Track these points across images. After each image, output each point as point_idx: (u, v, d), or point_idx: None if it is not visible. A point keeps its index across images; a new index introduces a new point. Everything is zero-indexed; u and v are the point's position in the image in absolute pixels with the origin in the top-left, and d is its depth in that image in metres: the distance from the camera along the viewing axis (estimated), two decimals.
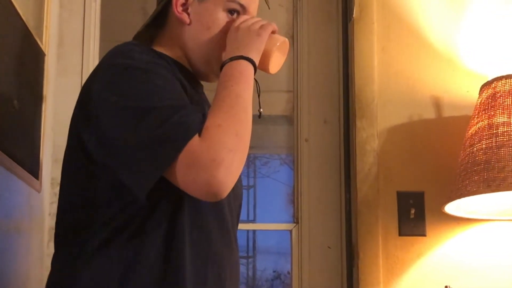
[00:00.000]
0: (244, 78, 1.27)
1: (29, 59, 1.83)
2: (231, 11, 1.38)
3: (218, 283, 1.28)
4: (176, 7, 1.39)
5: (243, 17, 1.37)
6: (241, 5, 1.38)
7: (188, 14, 1.38)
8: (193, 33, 1.38)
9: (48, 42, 2.00)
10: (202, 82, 1.45)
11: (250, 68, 1.29)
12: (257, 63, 1.31)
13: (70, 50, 2.21)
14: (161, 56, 1.33)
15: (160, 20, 1.43)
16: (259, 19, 1.37)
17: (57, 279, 1.26)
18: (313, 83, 2.33)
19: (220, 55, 1.36)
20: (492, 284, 2.04)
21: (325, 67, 2.33)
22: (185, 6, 1.39)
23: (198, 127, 1.15)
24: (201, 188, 1.14)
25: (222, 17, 1.38)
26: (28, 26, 1.78)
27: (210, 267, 1.27)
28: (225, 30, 1.37)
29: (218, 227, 1.31)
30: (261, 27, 1.34)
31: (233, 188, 1.38)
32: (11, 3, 1.64)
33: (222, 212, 1.32)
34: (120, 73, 1.23)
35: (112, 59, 1.27)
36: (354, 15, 2.19)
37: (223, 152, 1.13)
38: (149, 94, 1.19)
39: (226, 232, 1.33)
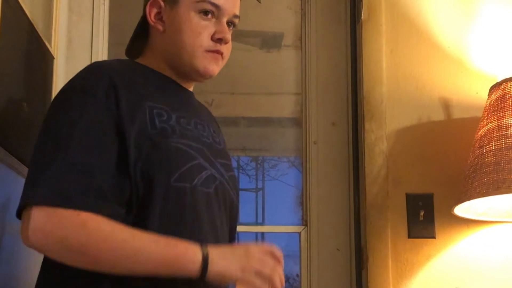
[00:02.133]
0: (175, 266, 1.18)
1: (38, 62, 1.84)
2: (204, 12, 1.38)
3: None
4: (150, 17, 1.41)
5: (270, 250, 1.26)
6: (215, 5, 1.38)
7: (163, 22, 1.40)
8: (169, 39, 1.40)
9: (57, 45, 2.01)
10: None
11: (196, 270, 1.18)
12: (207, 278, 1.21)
13: (79, 53, 2.22)
14: (121, 69, 1.33)
15: (145, 31, 1.45)
16: (276, 267, 1.25)
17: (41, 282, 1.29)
18: (321, 85, 2.33)
19: (196, 55, 1.37)
20: (502, 286, 2.03)
21: (333, 69, 2.33)
22: (159, 15, 1.41)
23: (54, 198, 1.16)
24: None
25: (195, 19, 1.38)
26: (37, 29, 1.79)
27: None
28: (200, 30, 1.37)
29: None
30: (262, 278, 1.23)
31: (225, 200, 1.39)
32: (20, 6, 1.65)
33: (199, 226, 1.30)
34: (56, 101, 1.29)
35: (65, 85, 1.31)
36: (362, 17, 2.19)
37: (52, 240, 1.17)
38: (55, 136, 1.22)
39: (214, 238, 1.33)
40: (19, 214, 1.21)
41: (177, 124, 1.32)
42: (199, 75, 1.42)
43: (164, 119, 1.30)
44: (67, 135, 1.20)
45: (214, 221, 1.34)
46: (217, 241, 1.34)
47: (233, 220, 1.47)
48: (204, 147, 1.35)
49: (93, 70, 1.31)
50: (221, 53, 1.41)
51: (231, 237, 1.48)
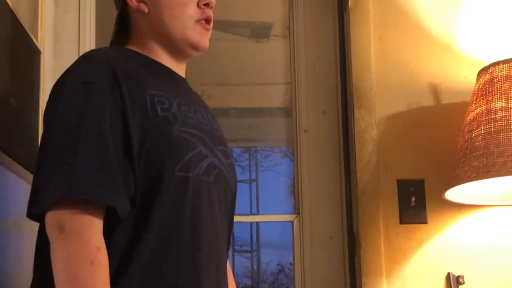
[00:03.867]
0: None
1: (25, 56, 1.83)
2: None
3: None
4: (131, 1, 1.41)
5: None
6: None
7: (145, 3, 1.40)
8: (156, 18, 1.40)
9: (44, 40, 2.01)
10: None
11: None
12: None
13: (66, 47, 2.21)
14: (116, 58, 1.30)
15: (125, 22, 1.44)
16: None
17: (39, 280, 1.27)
18: (310, 74, 2.33)
19: (188, 26, 1.39)
20: (495, 270, 2.03)
21: (322, 58, 2.33)
22: None
23: (71, 192, 1.15)
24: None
25: None
26: (23, 24, 1.78)
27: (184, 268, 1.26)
28: (186, 1, 1.39)
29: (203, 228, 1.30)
30: None
31: (225, 188, 1.39)
32: (5, 1, 1.64)
33: (199, 216, 1.30)
34: (59, 93, 1.25)
35: (64, 75, 1.28)
36: (349, 5, 2.18)
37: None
38: (65, 130, 1.20)
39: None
40: (33, 215, 1.20)
41: (179, 111, 1.31)
42: (193, 48, 1.42)
43: (166, 107, 1.29)
44: (77, 129, 1.19)
45: (213, 210, 1.34)
46: (216, 231, 1.34)
47: (231, 207, 1.47)
48: (204, 135, 1.35)
49: (93, 60, 1.28)
50: (210, 20, 1.43)
51: (229, 224, 1.47)
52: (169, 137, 1.26)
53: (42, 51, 1.97)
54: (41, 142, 1.24)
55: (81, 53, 2.19)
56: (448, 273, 2.02)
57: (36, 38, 1.93)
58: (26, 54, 1.84)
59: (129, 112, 1.23)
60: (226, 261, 1.42)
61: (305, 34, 2.35)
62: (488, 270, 2.03)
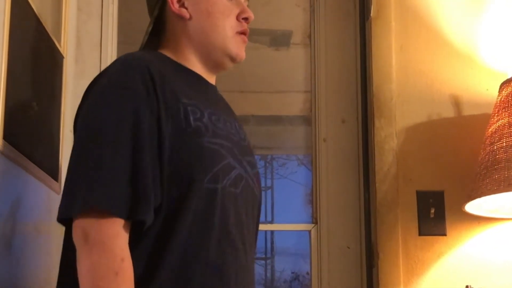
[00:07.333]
0: None
1: (47, 61, 1.84)
2: None
3: None
4: (173, 5, 1.40)
5: None
6: None
7: (186, 8, 1.40)
8: (197, 25, 1.39)
9: (66, 45, 2.01)
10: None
11: None
12: None
13: (88, 52, 2.22)
14: (151, 61, 1.30)
15: (160, 25, 1.44)
16: None
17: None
18: (330, 83, 2.32)
19: (229, 36, 1.39)
20: None
21: (342, 67, 2.32)
22: (181, 2, 1.40)
23: (104, 204, 1.14)
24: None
25: (222, 1, 1.40)
26: (46, 28, 1.79)
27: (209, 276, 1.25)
28: (228, 12, 1.39)
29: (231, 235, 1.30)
30: None
31: (252, 199, 1.38)
32: (30, 6, 1.65)
33: (226, 228, 1.29)
34: (94, 97, 1.26)
35: (99, 79, 1.28)
36: (371, 14, 2.18)
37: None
38: (101, 136, 1.19)
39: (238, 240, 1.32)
40: (64, 219, 1.20)
41: (210, 122, 1.31)
42: (230, 60, 1.42)
43: (197, 117, 1.28)
44: (114, 137, 1.18)
45: (240, 221, 1.33)
46: (243, 242, 1.33)
47: (257, 217, 1.46)
48: (233, 146, 1.34)
49: (130, 64, 1.27)
50: (246, 33, 1.43)
51: (255, 234, 1.46)
52: (200, 148, 1.26)
53: (64, 55, 1.97)
54: (75, 146, 1.23)
55: (102, 59, 2.21)
56: (467, 286, 2.00)
57: (59, 43, 1.94)
58: (49, 58, 1.85)
59: (163, 120, 1.23)
60: (254, 270, 1.41)
61: (326, 43, 2.35)
62: (507, 284, 2.02)
